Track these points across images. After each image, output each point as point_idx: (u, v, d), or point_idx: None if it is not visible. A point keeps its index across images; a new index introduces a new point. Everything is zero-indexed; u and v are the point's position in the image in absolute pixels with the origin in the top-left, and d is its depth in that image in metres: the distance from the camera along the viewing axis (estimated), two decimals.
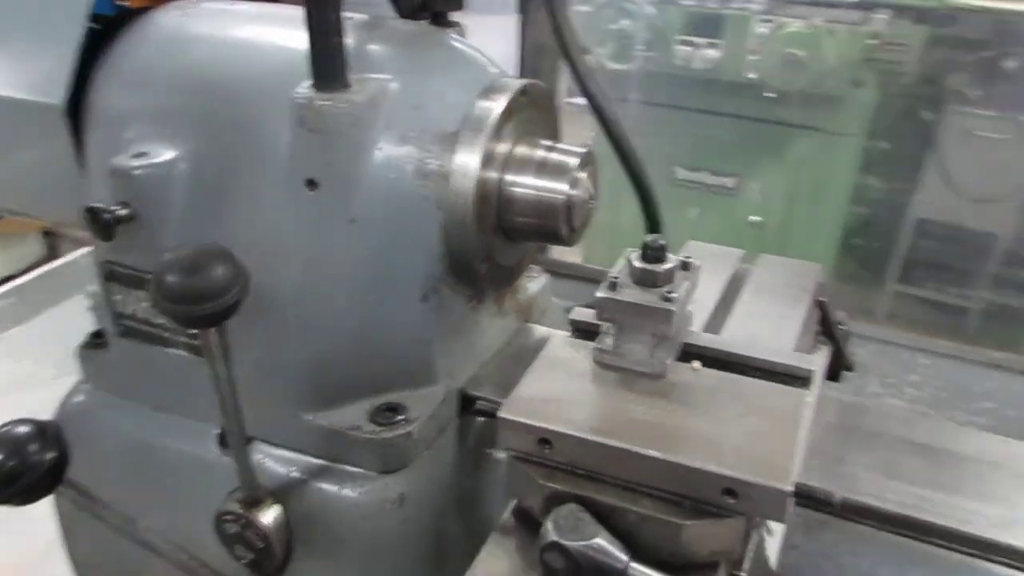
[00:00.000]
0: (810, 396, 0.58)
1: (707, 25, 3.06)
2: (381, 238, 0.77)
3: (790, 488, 0.50)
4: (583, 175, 0.79)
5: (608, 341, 0.62)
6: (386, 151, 0.75)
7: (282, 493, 0.83)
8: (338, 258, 0.77)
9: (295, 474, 0.84)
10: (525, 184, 0.78)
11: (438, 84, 0.78)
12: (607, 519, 0.54)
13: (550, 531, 0.52)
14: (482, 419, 0.91)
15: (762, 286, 0.82)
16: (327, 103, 0.72)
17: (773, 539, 0.63)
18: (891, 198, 3.28)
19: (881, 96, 3.08)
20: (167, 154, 0.80)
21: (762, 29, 2.96)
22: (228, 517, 0.83)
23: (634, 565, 0.51)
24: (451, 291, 0.83)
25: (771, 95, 3.02)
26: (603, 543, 0.51)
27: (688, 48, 3.08)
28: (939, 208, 3.21)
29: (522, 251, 0.89)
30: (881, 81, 3.06)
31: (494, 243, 0.81)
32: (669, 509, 0.53)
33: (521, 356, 0.98)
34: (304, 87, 0.73)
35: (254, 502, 0.82)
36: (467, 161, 0.75)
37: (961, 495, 0.70)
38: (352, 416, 0.83)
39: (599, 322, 0.67)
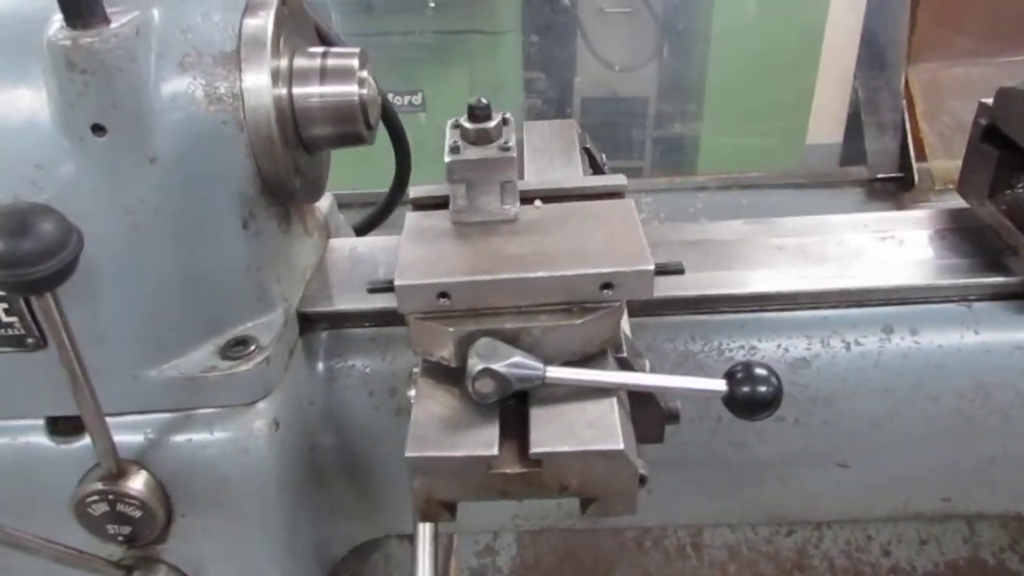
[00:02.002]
0: (632, 202, 0.71)
1: None
2: (188, 171, 0.75)
3: (652, 267, 0.62)
4: (366, 74, 0.83)
5: (460, 202, 0.69)
6: (170, 82, 0.73)
7: (145, 459, 0.81)
8: (148, 202, 0.74)
9: (153, 435, 0.81)
10: (318, 93, 0.80)
11: (199, 6, 0.76)
12: (515, 341, 0.62)
13: (476, 362, 0.59)
14: (326, 333, 0.94)
15: (539, 144, 0.95)
16: (94, 39, 0.68)
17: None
18: (556, 84, 3.61)
19: None
20: None
21: None
22: (92, 499, 0.78)
23: (549, 369, 0.60)
24: (266, 213, 0.83)
25: (432, 5, 3.14)
26: (521, 359, 0.60)
27: None
28: (596, 84, 3.61)
29: (322, 162, 0.91)
30: None
31: (299, 157, 0.83)
32: (562, 316, 0.63)
33: (339, 266, 1.01)
34: (57, 28, 0.68)
35: (118, 474, 0.78)
36: (258, 81, 0.75)
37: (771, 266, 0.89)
38: (201, 359, 0.82)
39: (440, 193, 0.74)
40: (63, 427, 0.80)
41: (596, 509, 0.61)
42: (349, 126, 0.82)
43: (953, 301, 0.91)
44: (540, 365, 0.61)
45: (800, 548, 1.14)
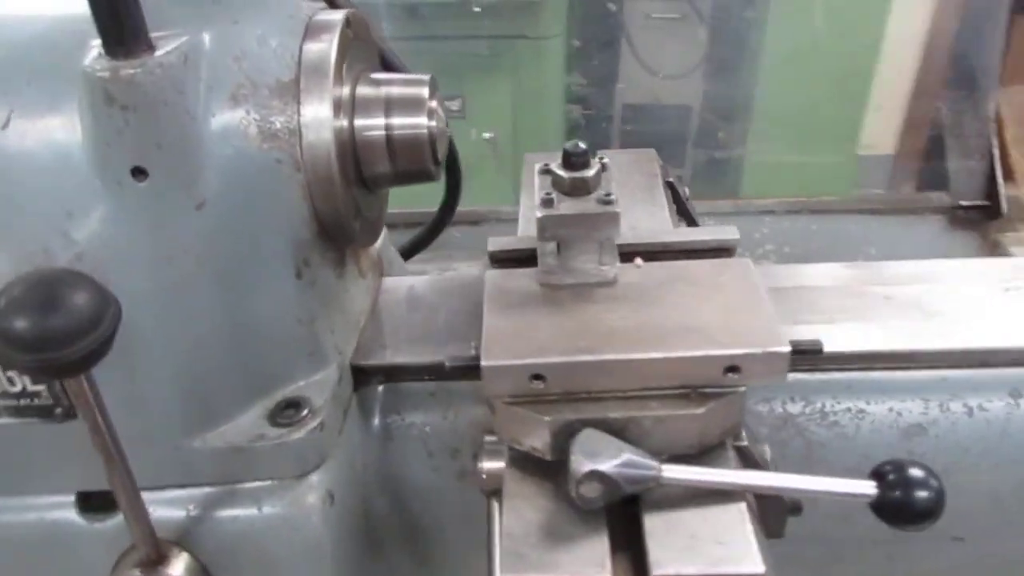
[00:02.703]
0: (750, 262, 0.61)
1: None
2: (237, 217, 0.66)
3: (788, 348, 0.52)
4: (434, 104, 0.74)
5: (550, 261, 0.59)
6: (221, 116, 0.64)
7: (186, 540, 0.72)
8: (192, 252, 0.65)
9: (196, 512, 0.72)
10: (383, 126, 0.71)
11: (254, 29, 0.67)
12: (621, 433, 0.53)
13: (581, 461, 0.49)
14: (382, 387, 0.85)
15: (618, 179, 0.85)
16: (137, 71, 0.59)
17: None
18: (598, 90, 3.51)
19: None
20: None
21: None
22: None
23: (665, 468, 0.51)
24: (321, 260, 0.74)
25: (477, 10, 3.05)
26: (632, 456, 0.50)
27: None
28: (639, 92, 3.50)
29: (382, 200, 0.82)
30: None
31: (359, 196, 0.73)
32: (678, 404, 0.53)
33: (395, 311, 0.92)
34: (95, 56, 0.60)
35: (157, 559, 0.70)
36: (318, 113, 0.66)
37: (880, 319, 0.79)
38: (249, 426, 0.73)
39: (522, 247, 0.64)
40: (96, 503, 0.71)
41: None
42: (416, 162, 0.73)
43: None
44: (654, 463, 0.51)
45: None
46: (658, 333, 0.53)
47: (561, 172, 0.58)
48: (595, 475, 0.49)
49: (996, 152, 1.51)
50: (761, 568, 0.48)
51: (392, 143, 0.71)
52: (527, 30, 3.15)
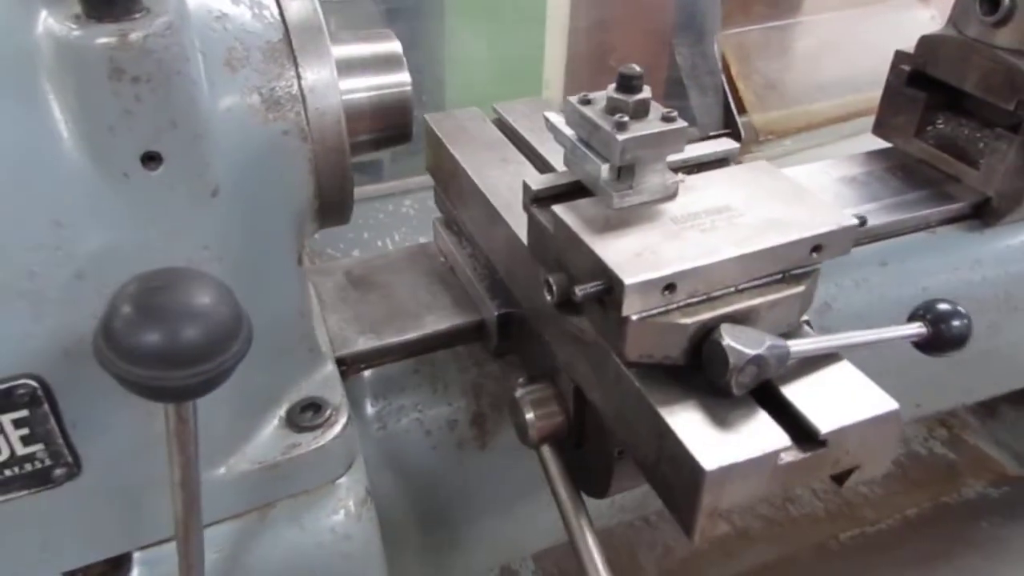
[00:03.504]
0: (769, 164, 0.68)
1: None
2: (249, 201, 0.58)
3: (856, 222, 0.60)
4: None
5: (620, 184, 0.60)
6: (223, 87, 0.55)
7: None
8: (211, 248, 0.56)
9: (232, 540, 0.63)
10: (371, 86, 0.66)
11: None
12: (744, 322, 0.57)
13: (738, 351, 0.53)
14: (368, 373, 0.80)
15: (532, 125, 0.88)
16: (142, 35, 0.49)
17: None
18: None
19: None
20: None
21: None
22: None
23: (792, 343, 0.56)
24: (305, 243, 0.67)
25: None
26: (772, 339, 0.55)
27: None
28: None
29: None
30: None
31: None
32: (782, 287, 0.59)
33: (346, 296, 0.85)
34: (68, 22, 0.48)
35: None
36: (320, 74, 0.60)
37: None
38: (274, 440, 0.65)
39: (564, 181, 0.64)
40: None
41: (856, 476, 0.58)
42: (400, 124, 0.69)
43: (921, 230, 1.01)
44: (784, 343, 0.56)
45: None
46: (748, 230, 0.58)
47: (622, 96, 0.59)
48: (755, 360, 0.54)
49: (727, 87, 1.79)
50: (896, 404, 0.56)
51: (384, 103, 0.66)
52: None
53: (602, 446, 0.69)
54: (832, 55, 1.92)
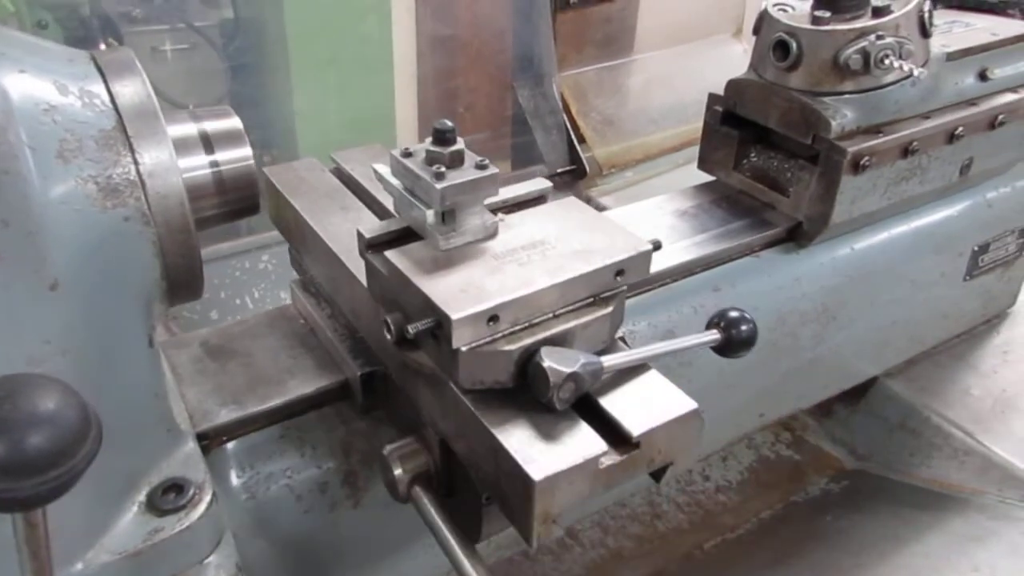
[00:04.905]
0: (576, 199, 0.74)
1: None
2: (91, 291, 0.57)
3: (651, 246, 0.67)
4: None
5: (444, 228, 0.64)
6: (55, 179, 0.55)
7: None
8: (54, 342, 0.55)
9: None
10: (209, 163, 0.67)
11: (46, 77, 0.58)
12: (562, 344, 0.62)
13: (557, 371, 0.58)
14: (231, 445, 0.79)
15: (367, 173, 0.91)
16: None
17: None
18: None
19: (65, 34, 2.91)
20: None
21: None
22: None
23: (604, 359, 0.62)
24: (156, 322, 0.67)
25: None
26: (586, 357, 0.60)
27: None
28: None
29: None
30: (62, 19, 2.88)
31: None
32: (593, 309, 0.65)
33: (202, 367, 0.84)
34: None
35: None
36: (159, 157, 0.60)
37: None
38: (134, 526, 0.64)
39: (396, 228, 0.68)
40: None
41: (671, 471, 0.64)
42: (247, 197, 0.70)
43: (747, 255, 1.11)
44: (596, 359, 0.62)
45: (649, 500, 1.28)
46: (560, 260, 0.64)
47: (438, 149, 0.63)
48: (572, 377, 0.59)
49: (568, 125, 1.88)
50: (695, 404, 0.63)
51: (223, 180, 0.67)
52: None
53: (470, 493, 0.72)
54: (661, 89, 2.07)
